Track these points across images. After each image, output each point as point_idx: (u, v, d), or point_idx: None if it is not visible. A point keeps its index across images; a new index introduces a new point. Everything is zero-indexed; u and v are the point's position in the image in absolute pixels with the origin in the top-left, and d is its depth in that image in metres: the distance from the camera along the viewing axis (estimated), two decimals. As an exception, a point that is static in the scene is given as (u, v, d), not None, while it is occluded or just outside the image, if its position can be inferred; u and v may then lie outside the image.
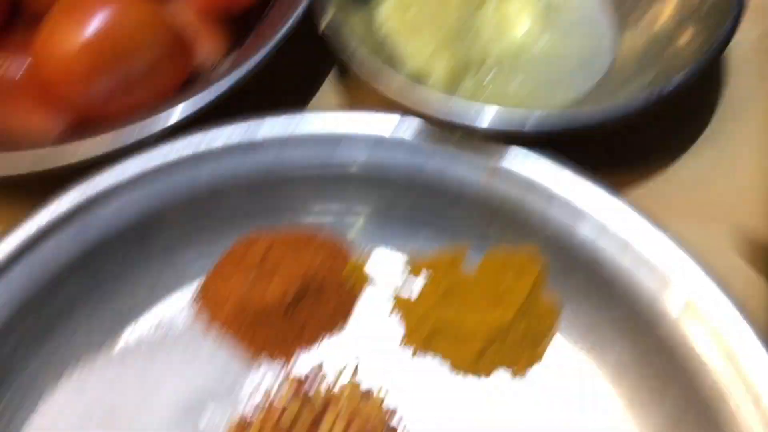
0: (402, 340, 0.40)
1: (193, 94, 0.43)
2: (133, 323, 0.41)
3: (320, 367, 0.39)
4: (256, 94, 0.44)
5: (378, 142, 0.41)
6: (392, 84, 0.40)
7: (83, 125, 0.46)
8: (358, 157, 0.41)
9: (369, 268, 0.42)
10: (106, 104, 0.45)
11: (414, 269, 0.42)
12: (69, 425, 0.37)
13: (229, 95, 0.42)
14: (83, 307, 0.40)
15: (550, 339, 0.39)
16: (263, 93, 0.46)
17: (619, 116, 0.37)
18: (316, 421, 0.38)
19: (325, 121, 0.41)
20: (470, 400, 0.38)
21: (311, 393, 0.39)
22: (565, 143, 0.39)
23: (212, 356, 0.40)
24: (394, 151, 0.41)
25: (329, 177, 0.42)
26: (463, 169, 0.39)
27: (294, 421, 0.37)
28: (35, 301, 0.38)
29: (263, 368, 0.39)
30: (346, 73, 0.50)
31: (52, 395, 0.38)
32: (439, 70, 0.46)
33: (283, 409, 0.38)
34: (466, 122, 0.38)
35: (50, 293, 0.38)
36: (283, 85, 0.49)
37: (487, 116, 0.38)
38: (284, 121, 0.41)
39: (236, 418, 0.38)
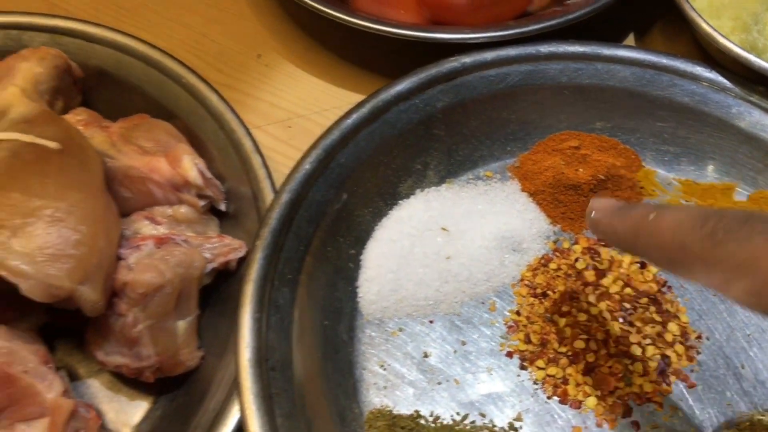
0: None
1: (548, 19, 0.55)
2: (468, 171, 0.53)
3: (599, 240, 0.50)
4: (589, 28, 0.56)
5: (692, 82, 0.52)
6: (717, 40, 0.51)
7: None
8: (673, 92, 0.52)
9: (653, 178, 0.53)
10: (462, 16, 0.58)
11: (690, 192, 0.53)
12: (416, 224, 0.50)
13: (582, 20, 0.54)
14: (440, 145, 0.52)
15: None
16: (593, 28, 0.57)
17: None
18: (600, 275, 0.49)
19: (649, 55, 0.53)
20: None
21: (600, 254, 0.50)
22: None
23: (523, 211, 0.52)
24: (703, 90, 0.51)
25: (641, 102, 0.53)
26: (762, 116, 0.50)
27: (585, 268, 0.49)
28: (414, 130, 0.51)
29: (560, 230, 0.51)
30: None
31: (408, 202, 0.51)
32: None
33: (577, 258, 0.49)
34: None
35: (425, 127, 0.51)
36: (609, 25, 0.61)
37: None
38: (615, 48, 0.53)
39: (540, 255, 0.50)
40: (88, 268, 0.39)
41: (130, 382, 0.45)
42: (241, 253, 0.45)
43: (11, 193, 0.39)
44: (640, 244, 0.33)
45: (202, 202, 0.47)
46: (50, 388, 0.39)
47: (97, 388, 0.45)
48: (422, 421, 0.43)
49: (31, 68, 0.49)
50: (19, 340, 0.40)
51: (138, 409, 0.44)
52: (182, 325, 0.42)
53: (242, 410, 0.38)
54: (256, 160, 0.48)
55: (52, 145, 0.42)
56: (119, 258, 0.41)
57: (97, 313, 0.40)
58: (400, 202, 0.51)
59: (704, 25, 0.53)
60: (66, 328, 0.45)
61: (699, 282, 0.31)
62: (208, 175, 0.47)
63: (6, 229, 0.38)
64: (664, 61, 0.53)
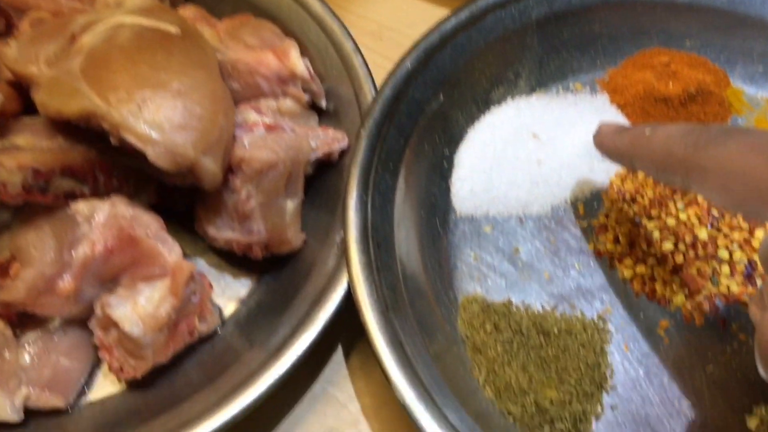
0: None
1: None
2: (558, 82, 0.54)
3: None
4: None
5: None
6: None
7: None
8: (764, 10, 0.52)
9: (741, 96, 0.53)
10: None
11: (776, 109, 0.53)
12: (507, 129, 0.51)
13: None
14: (532, 55, 0.53)
15: None
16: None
17: None
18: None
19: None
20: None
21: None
22: None
23: (613, 121, 0.52)
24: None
25: (731, 21, 0.53)
26: None
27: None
28: (508, 39, 0.52)
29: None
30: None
31: (500, 109, 0.52)
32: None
33: (666, 168, 0.50)
34: None
35: (518, 36, 0.52)
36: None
37: None
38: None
39: (629, 163, 0.51)
40: (210, 140, 0.41)
41: (234, 262, 0.47)
42: (343, 144, 0.47)
43: (139, 66, 0.41)
44: (636, 156, 0.37)
45: (305, 96, 0.49)
46: (171, 251, 0.41)
47: (203, 267, 0.47)
48: (513, 308, 0.44)
49: (142, -34, 0.50)
50: (140, 208, 0.42)
51: (243, 286, 0.47)
52: (290, 204, 0.44)
53: (351, 279, 0.40)
54: (357, 60, 0.50)
55: (172, 29, 0.44)
56: (234, 138, 0.44)
57: (214, 186, 0.42)
58: (492, 108, 0.52)
59: (801, -55, 0.53)
60: (172, 210, 0.47)
61: (680, 185, 0.34)
62: (312, 70, 0.49)
63: (136, 99, 0.40)
64: (758, -21, 0.53)
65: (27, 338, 0.41)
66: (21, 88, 0.45)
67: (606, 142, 0.41)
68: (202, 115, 0.41)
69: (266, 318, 0.43)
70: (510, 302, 0.45)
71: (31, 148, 0.41)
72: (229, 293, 0.46)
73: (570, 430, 0.40)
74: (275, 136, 0.44)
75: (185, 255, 0.47)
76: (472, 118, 0.51)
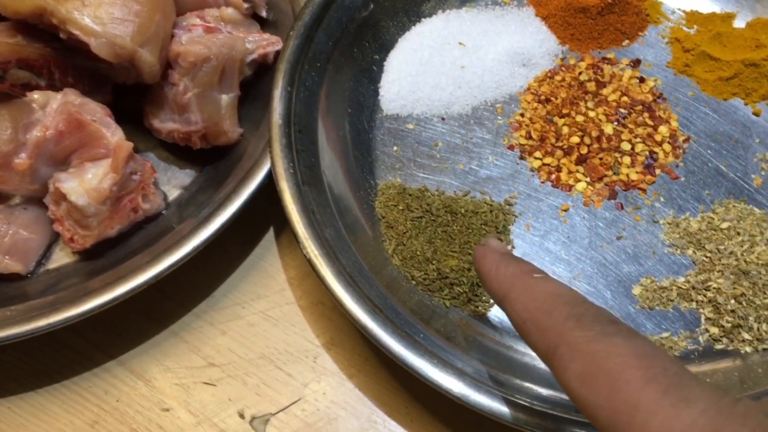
0: (668, 63, 0.55)
1: None
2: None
3: (603, 58, 0.55)
4: None
5: None
6: None
7: None
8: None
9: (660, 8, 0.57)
10: None
11: (692, 20, 0.56)
12: (435, 38, 0.55)
13: None
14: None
15: (786, 83, 0.53)
16: None
17: None
18: (601, 86, 0.54)
19: None
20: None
21: (602, 70, 0.54)
22: None
23: (535, 32, 0.56)
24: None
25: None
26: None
27: (587, 80, 0.54)
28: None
29: (568, 50, 0.56)
30: None
31: (430, 20, 0.56)
32: None
33: (580, 72, 0.54)
34: None
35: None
36: None
37: None
38: None
39: (547, 69, 0.55)
40: (147, 34, 0.46)
41: (181, 156, 0.52)
42: (277, 47, 0.52)
43: (84, -32, 0.46)
44: (512, 294, 0.32)
45: (246, 5, 0.53)
46: (114, 133, 0.46)
47: (154, 160, 0.52)
48: (428, 193, 0.49)
49: None
50: (89, 97, 0.47)
51: (187, 176, 0.52)
52: (225, 98, 0.49)
53: (272, 158, 0.45)
54: (294, -27, 0.54)
55: (118, -61, 0.49)
56: (173, 36, 0.48)
57: (153, 78, 0.47)
58: (422, 19, 0.56)
59: None
60: (126, 112, 0.52)
61: (540, 351, 0.30)
62: (251, -20, 0.53)
63: (80, -4, 0.45)
64: None
65: (-10, 212, 0.47)
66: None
67: (487, 263, 0.35)
68: (139, 11, 0.46)
69: (201, 197, 0.48)
70: (425, 188, 0.49)
71: (-10, 42, 0.46)
72: (175, 182, 0.51)
73: (467, 292, 0.45)
74: (211, 35, 0.49)
75: (139, 151, 0.52)
76: (402, 28, 0.56)
